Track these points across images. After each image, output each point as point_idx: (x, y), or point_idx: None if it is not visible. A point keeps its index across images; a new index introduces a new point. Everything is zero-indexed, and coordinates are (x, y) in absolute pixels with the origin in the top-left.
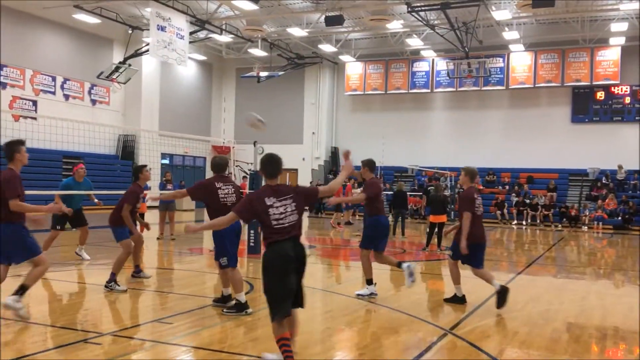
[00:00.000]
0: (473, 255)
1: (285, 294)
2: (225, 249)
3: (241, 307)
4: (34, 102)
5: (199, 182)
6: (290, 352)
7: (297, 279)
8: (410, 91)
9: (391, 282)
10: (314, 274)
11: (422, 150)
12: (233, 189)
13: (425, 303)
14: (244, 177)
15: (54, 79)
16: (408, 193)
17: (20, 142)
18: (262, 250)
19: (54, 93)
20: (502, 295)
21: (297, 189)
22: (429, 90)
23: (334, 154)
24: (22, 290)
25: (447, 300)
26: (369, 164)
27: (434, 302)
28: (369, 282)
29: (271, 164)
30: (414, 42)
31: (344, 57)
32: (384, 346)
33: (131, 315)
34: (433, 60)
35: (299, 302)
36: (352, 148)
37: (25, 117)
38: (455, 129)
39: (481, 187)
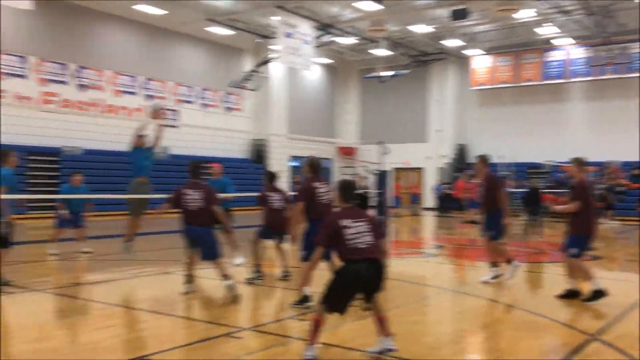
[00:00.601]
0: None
1: (342, 303)
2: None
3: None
4: (175, 111)
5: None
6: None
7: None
8: (544, 82)
9: (527, 283)
10: (441, 274)
11: (558, 145)
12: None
13: (565, 306)
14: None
15: (192, 89)
16: (543, 190)
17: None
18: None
19: (192, 102)
20: (598, 294)
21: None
22: (564, 81)
23: (461, 151)
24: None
25: (586, 301)
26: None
27: (576, 305)
28: (493, 264)
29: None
30: (546, 31)
31: (470, 51)
32: (522, 350)
33: (270, 312)
34: (568, 48)
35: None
36: (481, 144)
37: (168, 126)
38: (596, 120)
39: (626, 182)
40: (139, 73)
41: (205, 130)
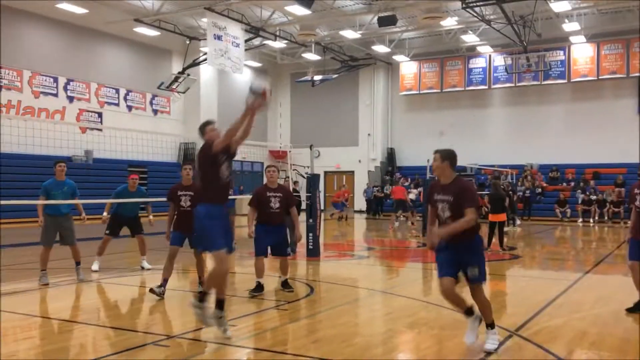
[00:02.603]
0: None
1: None
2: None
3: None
4: (100, 114)
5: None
6: None
7: None
8: (467, 88)
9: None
10: (373, 275)
11: (481, 148)
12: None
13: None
14: (295, 182)
15: (117, 91)
16: None
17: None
18: (321, 253)
19: (117, 105)
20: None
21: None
22: (486, 87)
23: (390, 154)
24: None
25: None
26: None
27: (498, 303)
28: None
29: None
30: (470, 39)
31: (398, 57)
32: (447, 348)
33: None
34: (490, 56)
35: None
36: (409, 148)
37: (92, 129)
38: (515, 125)
39: (544, 185)
40: (60, 74)
41: (132, 134)
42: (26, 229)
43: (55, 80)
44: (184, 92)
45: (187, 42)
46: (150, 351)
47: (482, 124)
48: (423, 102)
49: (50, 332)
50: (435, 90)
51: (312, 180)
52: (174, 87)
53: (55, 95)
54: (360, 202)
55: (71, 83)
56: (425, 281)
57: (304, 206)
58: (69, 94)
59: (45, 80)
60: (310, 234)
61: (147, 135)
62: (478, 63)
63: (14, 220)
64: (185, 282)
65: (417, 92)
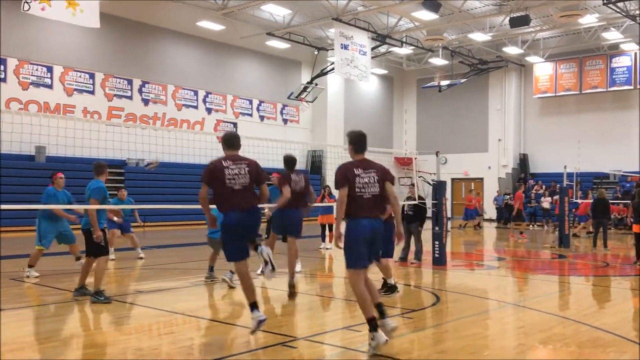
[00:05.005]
0: None
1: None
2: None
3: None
4: (235, 124)
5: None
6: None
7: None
8: (610, 89)
9: (594, 298)
10: (504, 286)
11: (626, 154)
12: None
13: (632, 322)
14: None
15: (250, 102)
16: (610, 201)
17: None
18: (448, 261)
19: (251, 115)
20: None
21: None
22: (631, 87)
23: (523, 161)
24: None
25: None
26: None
27: None
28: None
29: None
30: (612, 36)
31: (532, 58)
32: None
33: (323, 322)
34: (635, 54)
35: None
36: (543, 154)
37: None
38: None
39: None
40: (199, 87)
41: (263, 142)
42: (165, 232)
43: (196, 93)
44: (312, 102)
45: (316, 52)
46: (280, 352)
47: (627, 127)
48: (560, 105)
49: (188, 329)
50: (573, 92)
51: (439, 187)
52: (302, 96)
53: (195, 107)
54: (490, 211)
55: (209, 95)
56: (561, 295)
57: (429, 214)
58: (207, 105)
59: (187, 93)
60: (437, 242)
61: (278, 144)
62: (622, 62)
63: (161, 224)
64: (313, 285)
65: (553, 94)
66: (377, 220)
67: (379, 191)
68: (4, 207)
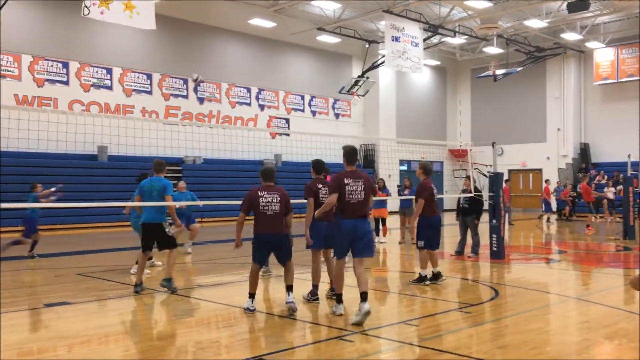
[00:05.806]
0: None
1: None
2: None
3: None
4: (287, 120)
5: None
6: None
7: None
8: None
9: None
10: (566, 280)
11: None
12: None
13: None
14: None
15: (302, 97)
16: None
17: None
18: (506, 255)
19: (303, 110)
20: None
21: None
22: None
23: (584, 150)
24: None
25: None
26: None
27: None
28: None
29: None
30: None
31: (591, 44)
32: None
33: (380, 316)
34: None
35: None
36: (605, 143)
37: (281, 134)
38: None
39: None
40: (252, 84)
41: (315, 137)
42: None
43: (249, 90)
44: (363, 95)
45: (367, 45)
46: (336, 345)
47: None
48: (622, 92)
49: (246, 322)
50: (636, 78)
51: (495, 179)
52: (354, 90)
53: (249, 104)
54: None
55: (262, 92)
56: (626, 289)
57: (486, 206)
58: (260, 102)
59: (240, 91)
60: (494, 235)
61: (330, 139)
62: None
63: (217, 220)
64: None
65: (615, 80)
66: (360, 220)
67: (364, 197)
68: (80, 205)
